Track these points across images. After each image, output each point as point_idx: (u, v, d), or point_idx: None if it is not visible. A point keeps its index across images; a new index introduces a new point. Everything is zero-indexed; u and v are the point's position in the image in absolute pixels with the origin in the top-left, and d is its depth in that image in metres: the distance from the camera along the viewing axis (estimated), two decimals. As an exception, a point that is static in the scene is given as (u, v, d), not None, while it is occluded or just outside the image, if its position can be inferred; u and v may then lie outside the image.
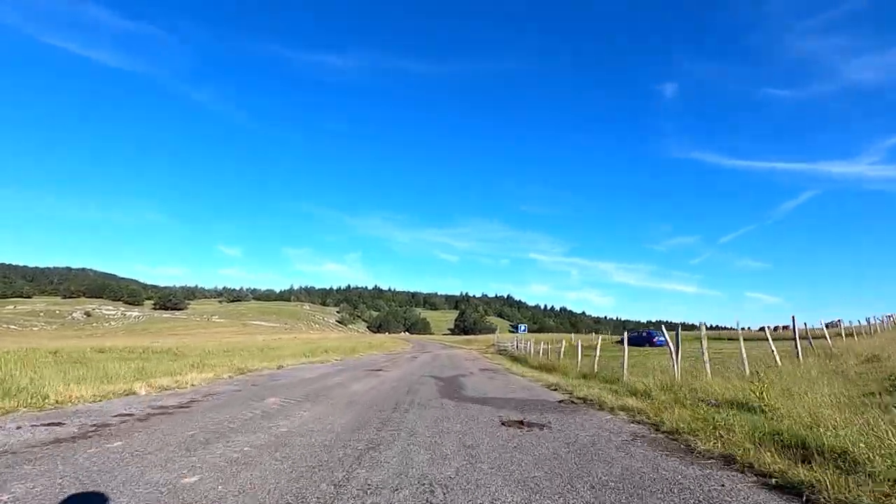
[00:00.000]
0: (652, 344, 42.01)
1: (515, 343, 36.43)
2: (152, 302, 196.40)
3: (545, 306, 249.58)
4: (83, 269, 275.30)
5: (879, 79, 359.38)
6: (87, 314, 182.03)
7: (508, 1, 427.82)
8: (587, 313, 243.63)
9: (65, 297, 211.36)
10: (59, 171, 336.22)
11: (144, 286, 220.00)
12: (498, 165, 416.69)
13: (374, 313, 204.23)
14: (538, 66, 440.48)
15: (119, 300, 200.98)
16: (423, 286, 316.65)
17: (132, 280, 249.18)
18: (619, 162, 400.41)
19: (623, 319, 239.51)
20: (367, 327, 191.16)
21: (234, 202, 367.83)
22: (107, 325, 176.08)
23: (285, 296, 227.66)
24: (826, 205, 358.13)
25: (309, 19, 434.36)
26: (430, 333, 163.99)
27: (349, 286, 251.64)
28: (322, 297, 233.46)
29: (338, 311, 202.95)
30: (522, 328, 33.77)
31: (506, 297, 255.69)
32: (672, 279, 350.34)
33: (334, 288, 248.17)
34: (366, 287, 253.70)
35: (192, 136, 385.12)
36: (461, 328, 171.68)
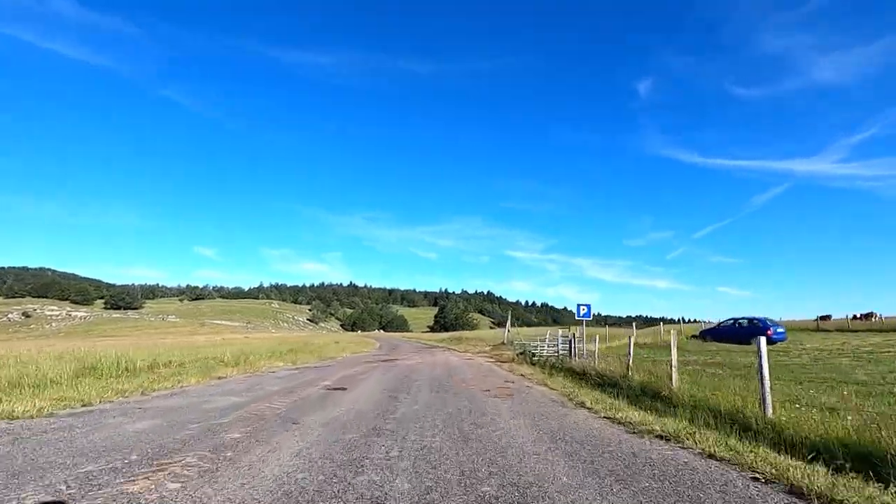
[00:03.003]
0: (766, 340, 24.55)
1: (566, 342, 18.35)
2: (103, 301, 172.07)
3: (526, 302, 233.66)
4: (42, 269, 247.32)
5: (843, 78, 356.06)
6: (26, 315, 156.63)
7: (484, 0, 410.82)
8: (569, 309, 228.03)
9: (7, 296, 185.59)
10: (14, 167, 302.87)
11: (98, 285, 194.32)
12: (480, 162, 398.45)
13: (349, 311, 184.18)
14: (518, 64, 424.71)
15: (66, 299, 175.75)
16: (403, 284, 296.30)
17: (94, 280, 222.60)
18: (597, 158, 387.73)
19: (604, 315, 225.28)
20: (341, 325, 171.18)
21: (211, 202, 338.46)
22: (47, 326, 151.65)
23: (254, 294, 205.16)
24: (792, 202, 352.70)
25: (286, 15, 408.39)
26: (409, 331, 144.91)
27: (323, 283, 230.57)
28: (294, 294, 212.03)
29: (309, 310, 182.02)
30: (586, 312, 15.75)
31: (486, 293, 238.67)
32: (648, 275, 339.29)
33: (307, 285, 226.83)
34: (341, 284, 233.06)
35: (164, 134, 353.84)
36: (441, 325, 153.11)
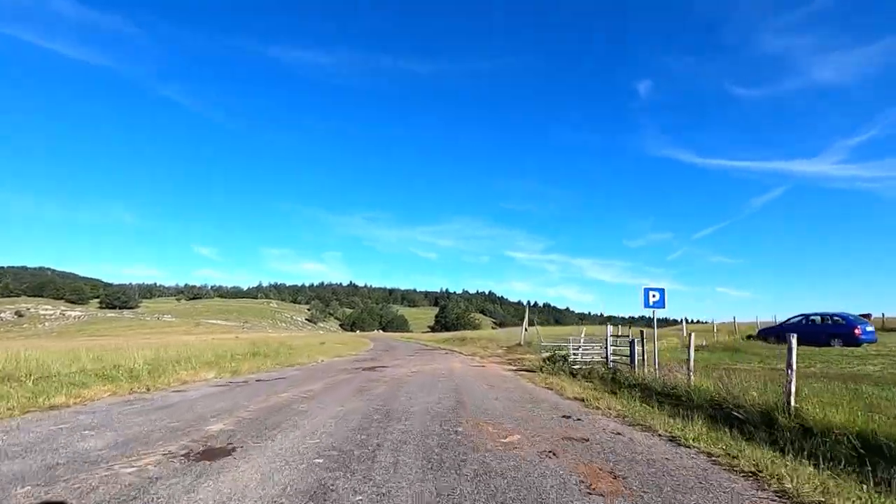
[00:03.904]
0: (851, 340, 19.14)
1: (619, 344, 13.02)
2: (99, 300, 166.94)
3: (528, 302, 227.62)
4: (41, 269, 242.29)
5: (843, 79, 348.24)
6: (19, 314, 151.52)
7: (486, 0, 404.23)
8: (571, 309, 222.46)
9: (2, 296, 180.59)
10: (14, 167, 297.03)
11: (95, 284, 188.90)
12: (480, 162, 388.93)
13: (349, 311, 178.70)
14: (518, 64, 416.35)
15: (61, 299, 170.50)
16: (403, 284, 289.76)
17: (93, 280, 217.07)
18: (597, 158, 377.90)
19: (607, 315, 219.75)
20: (340, 325, 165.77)
21: (211, 202, 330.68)
22: (40, 325, 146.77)
23: (252, 293, 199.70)
24: (792, 202, 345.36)
25: (286, 15, 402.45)
26: (409, 331, 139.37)
27: (322, 283, 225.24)
28: (293, 294, 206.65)
29: (308, 309, 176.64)
30: (657, 301, 10.40)
31: (487, 293, 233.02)
32: (648, 275, 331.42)
33: (307, 285, 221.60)
34: (340, 284, 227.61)
35: (165, 134, 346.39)
36: (442, 325, 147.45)
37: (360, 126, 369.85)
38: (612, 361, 12.87)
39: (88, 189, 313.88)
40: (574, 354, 15.34)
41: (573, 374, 12.41)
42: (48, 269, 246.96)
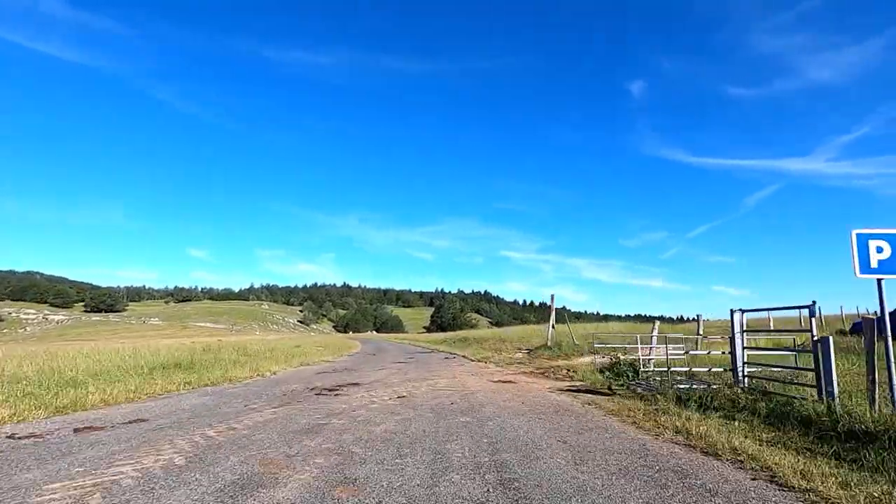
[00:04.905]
0: None
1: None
2: (84, 304, 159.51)
3: (524, 301, 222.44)
4: (29, 273, 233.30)
5: (836, 78, 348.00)
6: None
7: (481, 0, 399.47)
8: (567, 308, 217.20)
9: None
10: (6, 169, 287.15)
11: (81, 287, 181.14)
12: (476, 163, 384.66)
13: (342, 312, 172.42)
14: (518, 64, 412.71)
15: (45, 302, 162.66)
16: (398, 285, 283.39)
17: (84, 284, 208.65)
18: (594, 158, 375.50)
19: (603, 314, 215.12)
20: (334, 327, 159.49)
21: (206, 203, 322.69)
22: (21, 330, 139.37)
23: (244, 295, 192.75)
24: (786, 200, 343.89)
25: (285, 15, 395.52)
26: (403, 332, 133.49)
27: (315, 284, 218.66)
28: (286, 295, 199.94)
29: (300, 311, 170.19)
30: (891, 257, 4.73)
31: (483, 292, 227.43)
32: (643, 274, 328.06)
33: (300, 286, 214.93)
34: (334, 284, 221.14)
35: (158, 135, 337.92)
36: (438, 325, 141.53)
37: (359, 126, 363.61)
38: (747, 376, 7.39)
39: (81, 191, 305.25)
40: (646, 362, 9.87)
41: (682, 401, 6.91)
42: (36, 273, 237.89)
